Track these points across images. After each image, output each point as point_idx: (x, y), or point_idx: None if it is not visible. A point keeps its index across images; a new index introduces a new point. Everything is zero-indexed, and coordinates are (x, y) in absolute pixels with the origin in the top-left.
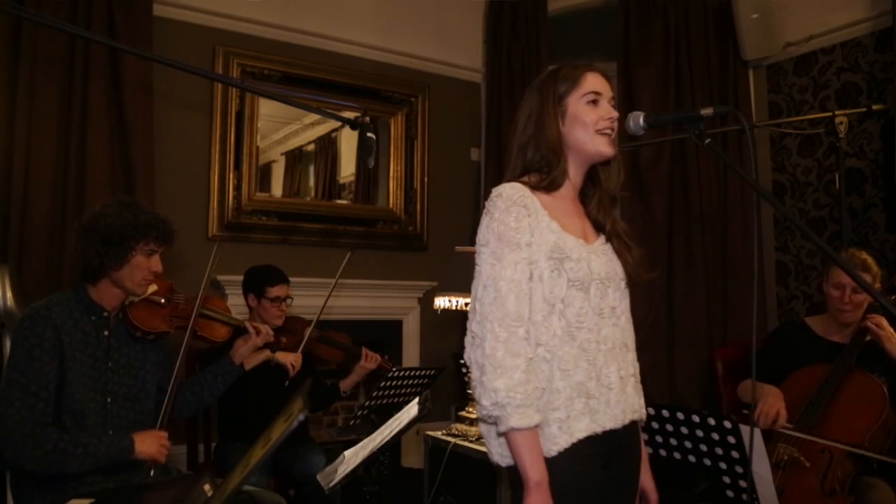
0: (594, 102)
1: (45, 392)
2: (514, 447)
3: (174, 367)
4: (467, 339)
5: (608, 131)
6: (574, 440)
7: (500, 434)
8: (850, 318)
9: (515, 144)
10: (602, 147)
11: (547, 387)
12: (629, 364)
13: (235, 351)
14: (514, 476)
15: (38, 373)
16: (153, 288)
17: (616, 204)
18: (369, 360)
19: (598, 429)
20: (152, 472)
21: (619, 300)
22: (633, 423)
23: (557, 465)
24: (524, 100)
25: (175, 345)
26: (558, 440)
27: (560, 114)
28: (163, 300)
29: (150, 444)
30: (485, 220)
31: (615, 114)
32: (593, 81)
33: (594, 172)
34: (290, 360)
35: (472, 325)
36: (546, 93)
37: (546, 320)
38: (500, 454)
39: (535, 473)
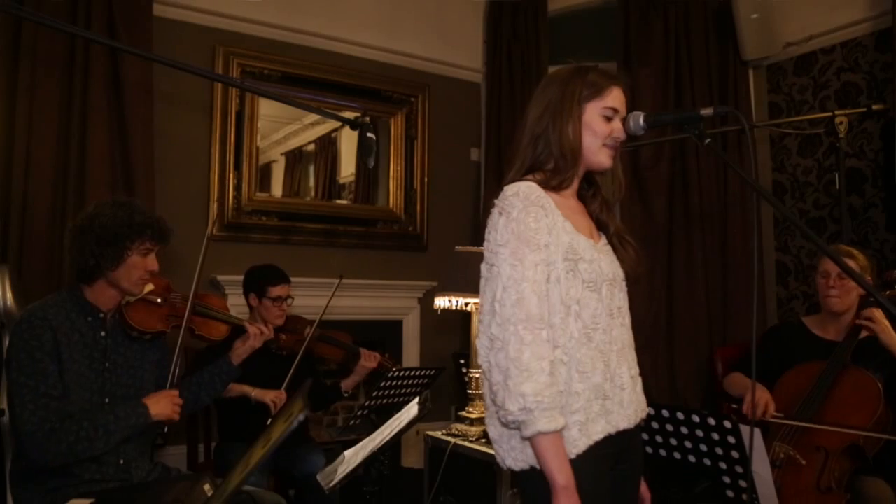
0: (609, 119)
1: (54, 391)
2: (539, 451)
3: (172, 366)
4: (483, 343)
5: (613, 147)
6: (591, 442)
7: (524, 438)
8: (838, 305)
9: (528, 133)
10: (604, 159)
11: (565, 389)
12: (635, 363)
13: (234, 352)
14: (525, 481)
15: (43, 373)
16: (150, 287)
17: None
18: (369, 360)
19: (613, 429)
20: (165, 428)
21: (623, 300)
22: (642, 422)
23: (574, 468)
24: (542, 89)
25: (173, 343)
26: (578, 443)
27: (579, 115)
28: (159, 300)
29: (163, 405)
30: (501, 220)
31: (624, 134)
32: (616, 97)
33: (590, 174)
34: (271, 396)
35: (492, 328)
36: (570, 91)
37: (563, 322)
38: (513, 459)
39: (563, 477)
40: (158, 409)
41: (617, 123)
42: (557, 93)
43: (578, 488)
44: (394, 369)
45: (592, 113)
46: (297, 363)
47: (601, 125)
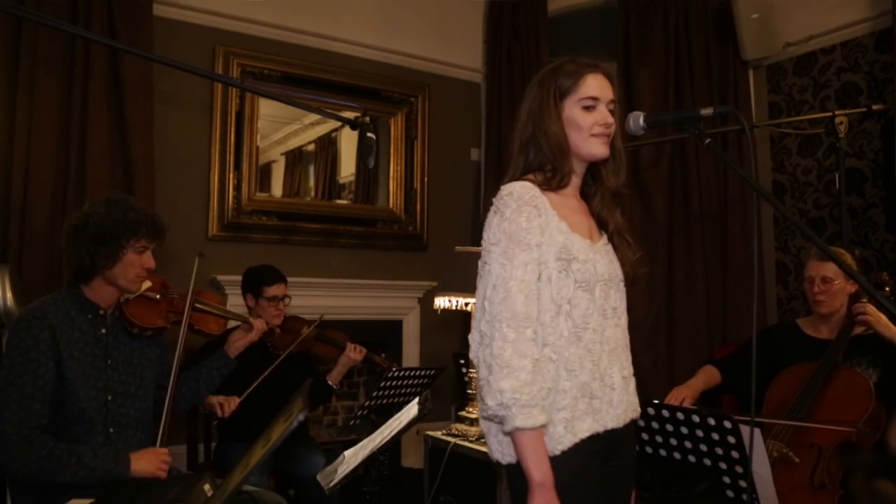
0: (590, 108)
1: (41, 394)
2: (518, 447)
3: (172, 363)
4: (474, 338)
5: (603, 134)
6: (577, 440)
7: (505, 433)
8: (826, 308)
9: (517, 141)
10: (595, 149)
11: (553, 387)
12: (629, 364)
13: (230, 344)
14: (512, 475)
15: (34, 374)
16: (147, 284)
17: (618, 201)
18: (354, 352)
19: (600, 428)
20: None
21: (619, 300)
22: (632, 422)
23: (560, 464)
24: (525, 95)
25: (170, 340)
26: (563, 440)
27: (559, 113)
28: (158, 296)
29: (147, 461)
30: (494, 219)
31: (610, 119)
32: (592, 85)
33: (595, 169)
34: (219, 400)
35: (481, 325)
36: (546, 91)
37: (553, 321)
38: (500, 452)
39: (539, 474)
40: (140, 466)
41: (601, 111)
42: (536, 96)
43: (562, 484)
44: (394, 369)
45: (571, 108)
46: (282, 357)
47: (583, 117)
